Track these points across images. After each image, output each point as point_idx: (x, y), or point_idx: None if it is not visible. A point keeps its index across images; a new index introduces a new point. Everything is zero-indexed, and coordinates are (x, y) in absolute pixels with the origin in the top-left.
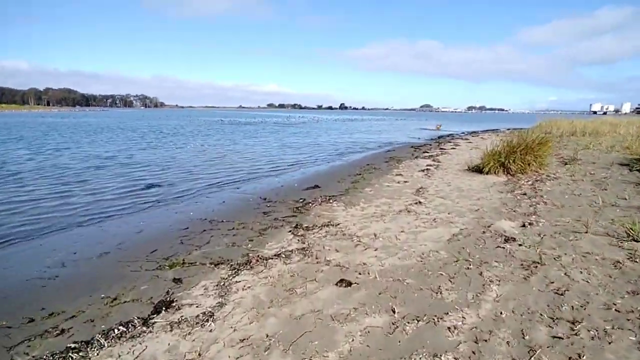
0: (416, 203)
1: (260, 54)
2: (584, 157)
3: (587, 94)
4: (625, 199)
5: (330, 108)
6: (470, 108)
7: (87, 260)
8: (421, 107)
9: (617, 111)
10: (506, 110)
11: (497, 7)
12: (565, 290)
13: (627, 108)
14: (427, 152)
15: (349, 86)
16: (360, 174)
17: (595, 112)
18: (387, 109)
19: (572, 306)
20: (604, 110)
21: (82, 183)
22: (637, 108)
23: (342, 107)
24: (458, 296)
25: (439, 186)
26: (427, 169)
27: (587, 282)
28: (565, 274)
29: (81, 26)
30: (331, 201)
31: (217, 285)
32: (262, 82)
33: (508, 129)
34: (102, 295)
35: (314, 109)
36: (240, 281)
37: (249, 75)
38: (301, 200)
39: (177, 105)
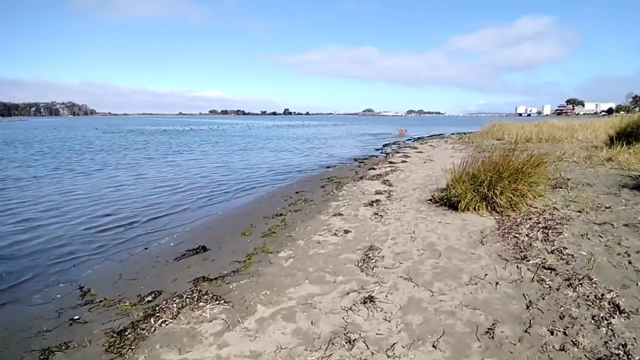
0: (365, 301)
1: (199, 58)
2: (573, 176)
3: (511, 97)
4: None
5: (274, 114)
6: (409, 112)
7: None
8: (364, 111)
9: (539, 113)
10: (442, 114)
11: (429, 17)
12: None
13: (547, 110)
14: (374, 169)
15: (293, 91)
16: (282, 215)
17: (520, 114)
18: (330, 113)
19: None
20: (528, 112)
21: None
22: (556, 110)
23: (287, 112)
24: None
25: (398, 241)
26: (376, 202)
27: None
28: None
29: None
30: (204, 301)
31: None
32: (203, 88)
33: (453, 134)
34: None
35: (257, 114)
36: None
37: (189, 81)
38: (146, 303)
39: (109, 113)
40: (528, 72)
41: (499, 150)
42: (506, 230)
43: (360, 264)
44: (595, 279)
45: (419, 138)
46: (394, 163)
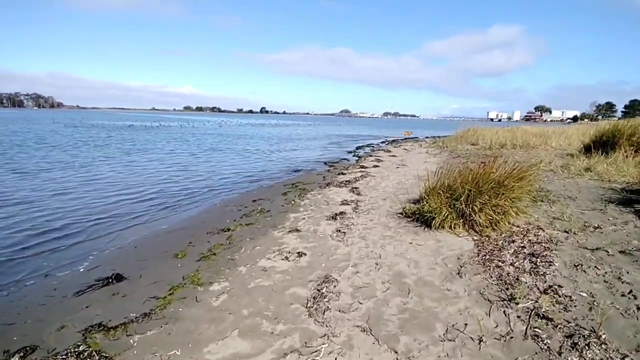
0: None
1: (174, 54)
2: (553, 187)
3: (483, 102)
4: None
5: (250, 112)
6: (386, 114)
7: None
8: (340, 112)
9: (509, 118)
10: (417, 117)
11: (403, 20)
12: None
13: (517, 116)
14: (344, 174)
15: (270, 90)
16: (229, 230)
17: (492, 119)
18: (307, 113)
19: None
20: (499, 117)
21: None
22: (525, 116)
23: (263, 110)
24: None
25: (360, 268)
26: (341, 214)
27: None
28: None
29: None
30: None
31: None
32: (178, 83)
33: (427, 137)
34: None
35: (234, 112)
36: None
37: (163, 77)
38: None
39: (77, 106)
40: (498, 78)
41: (474, 157)
42: (487, 257)
43: (309, 304)
44: (604, 336)
45: (393, 141)
46: (365, 168)
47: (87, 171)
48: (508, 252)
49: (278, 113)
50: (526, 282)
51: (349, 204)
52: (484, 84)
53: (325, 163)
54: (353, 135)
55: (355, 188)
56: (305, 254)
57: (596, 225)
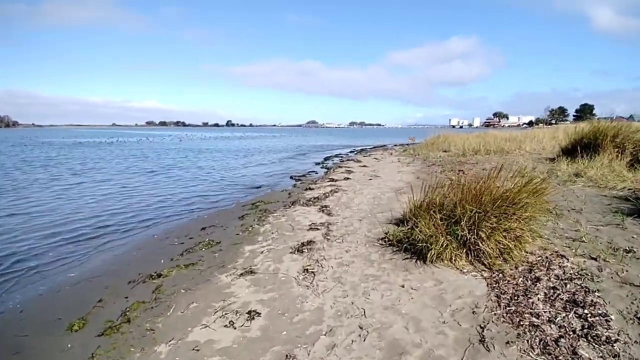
0: None
1: (136, 68)
2: (552, 198)
3: (445, 110)
4: None
5: (216, 125)
6: (352, 124)
7: None
8: (307, 123)
9: (470, 125)
10: (383, 125)
11: (368, 32)
12: None
13: (477, 122)
14: (312, 189)
15: (237, 103)
16: (160, 276)
17: (454, 126)
18: (275, 125)
19: None
20: (461, 124)
21: None
22: (485, 122)
23: (229, 124)
24: None
25: (337, 337)
26: (309, 244)
27: None
28: None
29: None
30: None
31: None
32: (140, 98)
33: (396, 145)
34: None
35: (199, 126)
36: None
37: (125, 91)
38: None
39: (33, 124)
40: (460, 87)
41: (450, 164)
42: (512, 307)
43: None
44: None
45: (362, 150)
46: (336, 181)
47: (12, 197)
48: (538, 298)
49: (245, 126)
50: (589, 359)
51: (318, 228)
52: (447, 93)
53: (291, 177)
54: (321, 146)
55: (326, 206)
56: (260, 314)
57: (627, 249)
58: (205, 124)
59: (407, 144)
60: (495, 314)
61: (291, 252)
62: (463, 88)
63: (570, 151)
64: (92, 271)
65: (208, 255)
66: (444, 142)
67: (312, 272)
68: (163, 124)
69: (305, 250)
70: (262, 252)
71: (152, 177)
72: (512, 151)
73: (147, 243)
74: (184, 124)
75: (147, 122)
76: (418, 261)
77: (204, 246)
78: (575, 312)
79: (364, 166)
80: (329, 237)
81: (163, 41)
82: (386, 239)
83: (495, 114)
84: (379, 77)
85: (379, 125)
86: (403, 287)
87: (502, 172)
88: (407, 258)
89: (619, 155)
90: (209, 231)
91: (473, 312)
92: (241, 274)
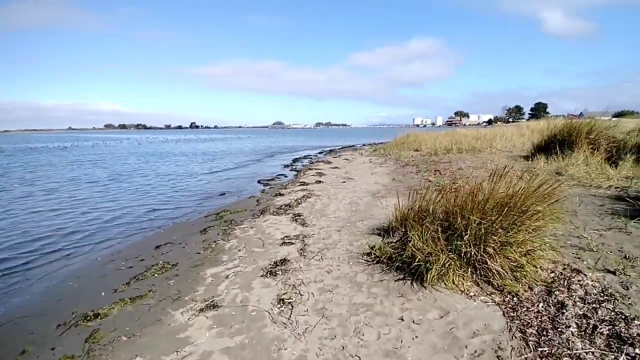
0: None
1: (94, 70)
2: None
3: (408, 110)
4: None
5: (179, 127)
6: (318, 124)
7: None
8: (273, 124)
9: (433, 124)
10: (348, 125)
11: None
12: None
13: (440, 121)
14: (282, 195)
15: (200, 105)
16: (97, 317)
17: (417, 125)
18: (240, 127)
19: None
20: (424, 123)
21: None
22: (446, 121)
23: (193, 126)
24: None
25: None
26: (282, 264)
27: None
28: None
29: None
30: None
31: None
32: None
33: (364, 145)
34: None
35: (161, 128)
36: None
37: (81, 94)
38: None
39: None
40: (421, 87)
41: (424, 163)
42: (545, 349)
43: None
44: None
45: (330, 150)
46: (307, 184)
47: None
48: (571, 332)
49: (209, 127)
50: None
51: (293, 242)
52: (409, 93)
53: (259, 181)
54: (288, 147)
55: (299, 215)
56: None
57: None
58: (168, 127)
59: (376, 144)
60: (525, 359)
61: (262, 276)
62: (424, 88)
63: (544, 148)
64: (17, 309)
65: (161, 284)
66: (414, 141)
67: (290, 302)
68: (123, 127)
69: (279, 272)
70: (227, 277)
71: (105, 186)
72: (484, 149)
73: (88, 269)
74: (145, 127)
75: (105, 126)
76: (414, 283)
77: (156, 271)
78: (626, 354)
79: (335, 168)
80: (305, 254)
81: (122, 42)
82: (372, 254)
83: (456, 113)
84: (343, 78)
85: (345, 125)
86: (402, 320)
87: (503, 173)
88: (400, 279)
89: (594, 152)
90: (164, 250)
91: (496, 356)
92: (201, 310)
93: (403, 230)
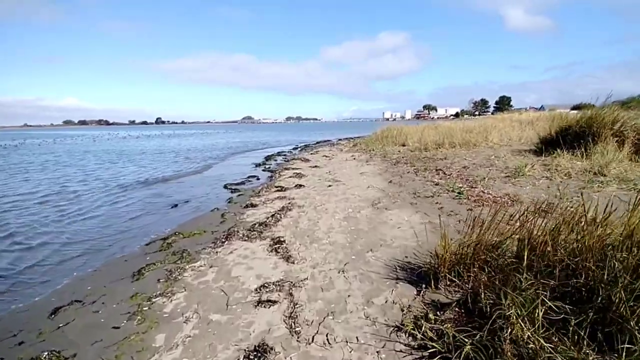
0: None
1: (51, 63)
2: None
3: (379, 104)
4: None
5: (145, 123)
6: (288, 118)
7: None
8: (243, 119)
9: (402, 117)
10: (319, 119)
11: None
12: None
13: (409, 115)
14: (255, 206)
15: (167, 100)
16: None
17: (387, 119)
18: (208, 122)
19: None
20: (394, 117)
21: None
22: (416, 114)
23: (159, 121)
24: None
25: None
26: (261, 354)
27: None
28: None
29: None
30: None
31: None
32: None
33: (341, 139)
34: None
35: (125, 124)
36: None
37: (39, 89)
38: None
39: None
40: (392, 81)
41: (417, 160)
42: None
43: None
44: None
45: (305, 146)
46: (285, 190)
47: None
48: None
49: (176, 123)
50: None
51: (274, 300)
52: (380, 87)
53: (225, 186)
54: (259, 143)
55: (280, 240)
56: None
57: None
58: (132, 122)
59: (352, 138)
60: None
61: None
62: (394, 82)
63: (553, 142)
64: None
65: None
66: (399, 135)
67: None
68: (83, 123)
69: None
70: None
71: (23, 202)
72: (480, 143)
73: None
74: (107, 123)
75: (64, 122)
76: None
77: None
78: None
79: (315, 167)
80: (297, 329)
81: (83, 34)
82: (416, 336)
83: (424, 107)
84: (314, 72)
85: (316, 119)
86: None
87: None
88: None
89: (620, 145)
90: (62, 319)
91: None
92: None
93: (469, 289)
